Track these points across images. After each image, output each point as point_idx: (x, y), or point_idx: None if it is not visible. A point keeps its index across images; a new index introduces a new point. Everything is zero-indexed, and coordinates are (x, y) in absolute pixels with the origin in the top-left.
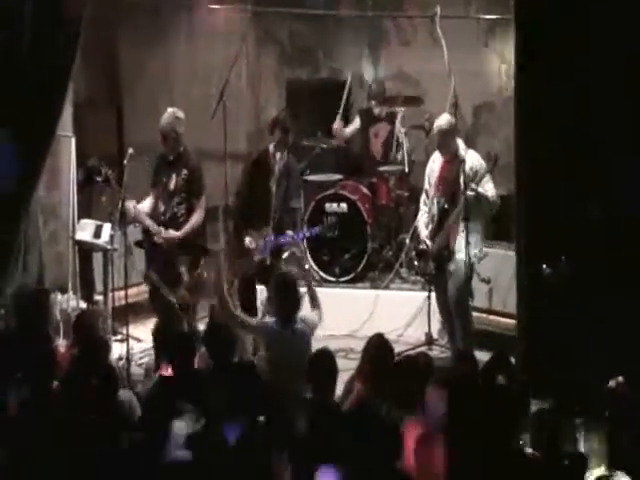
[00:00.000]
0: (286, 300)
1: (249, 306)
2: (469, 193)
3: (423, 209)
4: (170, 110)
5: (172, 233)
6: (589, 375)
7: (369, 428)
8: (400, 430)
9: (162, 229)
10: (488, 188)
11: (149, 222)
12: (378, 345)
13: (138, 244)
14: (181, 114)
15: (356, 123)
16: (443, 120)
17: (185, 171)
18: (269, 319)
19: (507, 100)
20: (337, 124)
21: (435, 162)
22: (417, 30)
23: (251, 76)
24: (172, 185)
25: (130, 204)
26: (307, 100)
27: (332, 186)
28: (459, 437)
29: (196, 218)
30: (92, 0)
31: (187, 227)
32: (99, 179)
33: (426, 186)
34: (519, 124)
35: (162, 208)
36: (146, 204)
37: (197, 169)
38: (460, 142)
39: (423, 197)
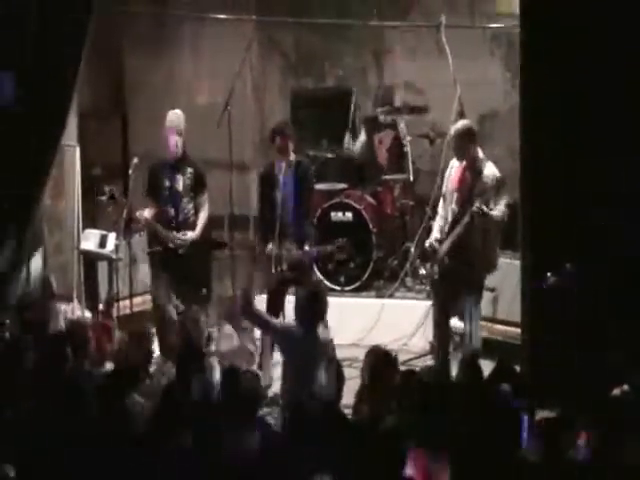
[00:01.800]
0: (312, 309)
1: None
2: (474, 210)
3: (440, 212)
4: (175, 110)
5: (190, 235)
6: (594, 384)
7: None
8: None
9: (176, 234)
10: (500, 205)
11: (161, 229)
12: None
13: (151, 253)
14: (181, 114)
15: (363, 136)
16: (460, 124)
17: (190, 170)
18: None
19: (512, 109)
20: (347, 138)
21: (453, 167)
22: (422, 39)
23: (256, 85)
24: (180, 186)
25: (141, 213)
26: (312, 109)
27: (337, 195)
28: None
29: (205, 214)
30: (97, 10)
31: (200, 225)
32: (104, 198)
33: (444, 190)
34: (524, 133)
35: (172, 212)
36: (146, 213)
37: (200, 167)
38: (479, 151)
39: (441, 201)
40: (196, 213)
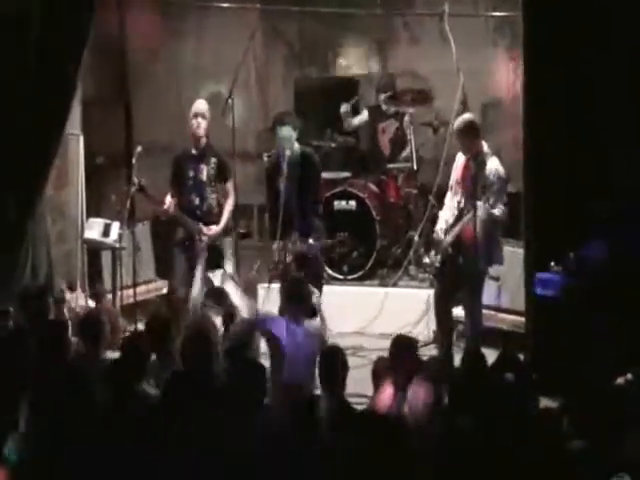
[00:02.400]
0: (296, 300)
1: None
2: (479, 204)
3: (447, 204)
4: (200, 99)
5: (215, 229)
6: (598, 372)
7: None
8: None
9: (202, 226)
10: (500, 204)
11: (187, 220)
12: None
13: (179, 244)
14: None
15: (364, 115)
16: (461, 119)
17: (214, 159)
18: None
19: (515, 98)
20: (344, 107)
21: (459, 159)
22: (426, 28)
23: (260, 74)
24: (204, 176)
25: (169, 202)
26: (316, 98)
27: (341, 184)
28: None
29: (231, 204)
30: None
31: (226, 216)
32: (133, 189)
33: (451, 182)
34: (527, 122)
35: (197, 201)
36: (168, 201)
37: (224, 156)
38: (484, 145)
39: (449, 192)
40: (220, 203)
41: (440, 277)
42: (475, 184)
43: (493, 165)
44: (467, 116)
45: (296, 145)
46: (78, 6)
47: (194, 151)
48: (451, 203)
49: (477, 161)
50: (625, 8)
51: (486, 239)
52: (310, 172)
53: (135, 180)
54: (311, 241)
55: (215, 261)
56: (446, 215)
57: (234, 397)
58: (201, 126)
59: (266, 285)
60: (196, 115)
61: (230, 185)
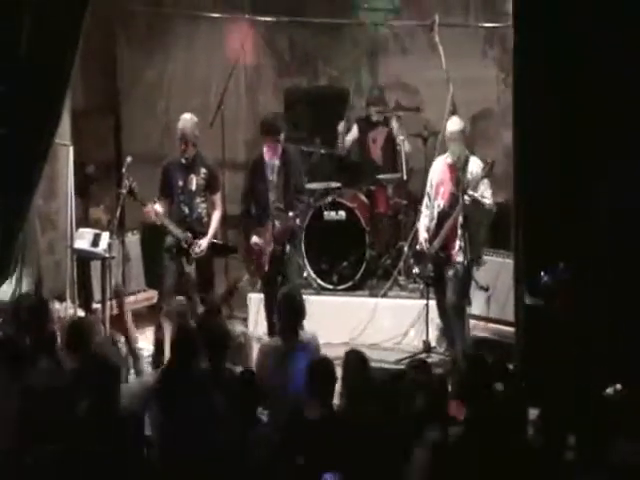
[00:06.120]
0: (289, 313)
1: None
2: (466, 198)
3: (424, 212)
4: (187, 115)
5: (203, 245)
6: (587, 382)
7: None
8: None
9: (190, 235)
10: (487, 195)
11: (174, 229)
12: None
13: (168, 250)
14: (195, 118)
15: (354, 132)
16: (455, 123)
17: (204, 170)
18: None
19: (505, 108)
20: (341, 127)
21: (438, 165)
22: (415, 38)
23: (250, 84)
24: (193, 186)
25: (154, 209)
26: (306, 108)
27: (330, 194)
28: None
29: (218, 216)
30: (91, 8)
31: (213, 227)
32: (123, 190)
33: (428, 189)
34: (517, 132)
35: (186, 210)
36: (154, 207)
37: (214, 167)
38: (463, 147)
39: (425, 200)
40: (209, 213)
41: (437, 285)
42: (458, 185)
43: (475, 163)
44: (458, 120)
45: (282, 145)
46: (70, 4)
47: (183, 161)
48: (429, 210)
49: (459, 164)
50: (616, 18)
51: (473, 229)
52: (292, 165)
53: (126, 182)
54: (290, 213)
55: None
56: (426, 223)
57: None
58: (189, 146)
59: (255, 295)
60: (182, 137)
61: (218, 197)
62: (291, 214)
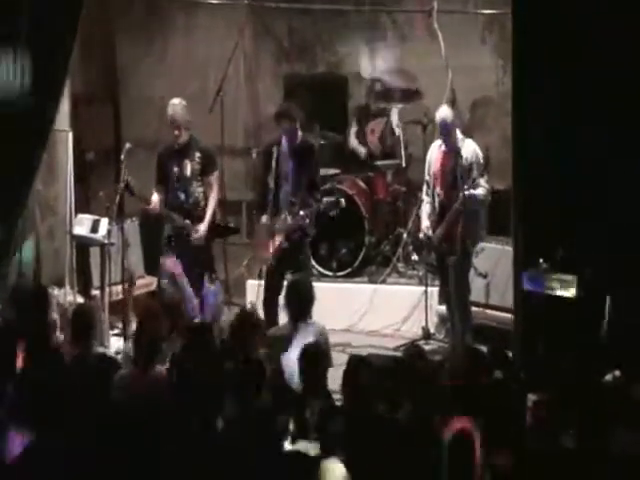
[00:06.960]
0: (298, 301)
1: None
2: (462, 194)
3: (425, 199)
4: (176, 100)
5: (202, 227)
6: (586, 369)
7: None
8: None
9: (189, 222)
10: (481, 182)
11: (174, 217)
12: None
13: (168, 239)
14: (184, 102)
15: (354, 127)
16: (445, 111)
17: (198, 154)
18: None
19: (504, 95)
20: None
21: (433, 153)
22: (414, 25)
23: (249, 71)
24: (188, 171)
25: (154, 201)
26: (305, 95)
27: (329, 180)
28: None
29: (215, 197)
30: None
31: (210, 209)
32: (121, 184)
33: (426, 177)
34: (516, 119)
35: (182, 197)
36: (155, 199)
37: (209, 148)
38: (458, 133)
39: (425, 187)
40: (207, 197)
41: (440, 272)
42: (455, 174)
43: (470, 147)
44: (448, 109)
45: (299, 135)
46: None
47: (177, 147)
48: (430, 197)
49: (454, 151)
50: (615, 4)
51: (471, 219)
52: (309, 157)
53: (122, 178)
54: (301, 213)
55: (208, 266)
56: (427, 210)
57: None
58: (181, 130)
59: (255, 281)
60: (172, 122)
61: (214, 177)
62: (302, 213)
